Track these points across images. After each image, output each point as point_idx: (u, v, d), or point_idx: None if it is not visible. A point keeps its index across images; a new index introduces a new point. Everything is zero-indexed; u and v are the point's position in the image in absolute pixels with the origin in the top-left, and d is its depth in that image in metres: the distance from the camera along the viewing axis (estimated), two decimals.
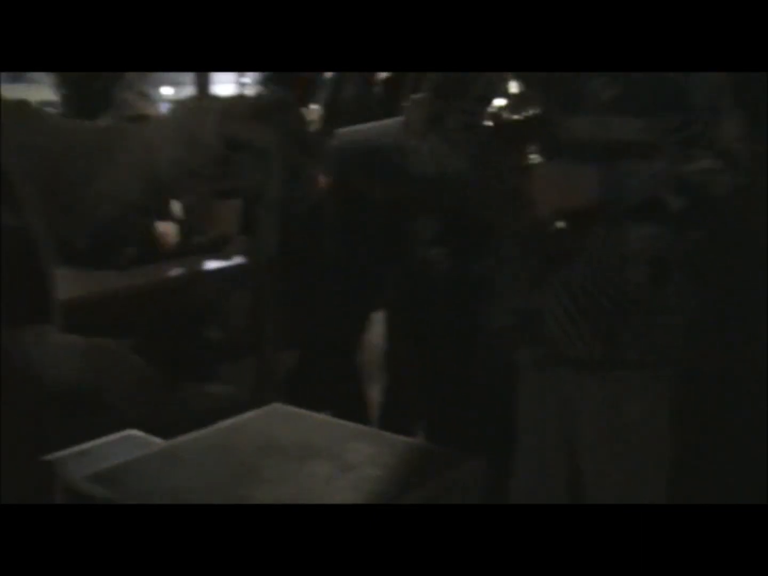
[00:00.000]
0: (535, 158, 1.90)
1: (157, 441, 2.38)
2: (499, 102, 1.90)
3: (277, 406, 2.21)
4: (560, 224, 1.90)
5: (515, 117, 1.88)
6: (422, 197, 2.49)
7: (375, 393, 3.72)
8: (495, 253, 2.07)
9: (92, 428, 2.67)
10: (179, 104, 1.99)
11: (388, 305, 3.57)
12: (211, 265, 4.17)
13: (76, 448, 2.38)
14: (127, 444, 2.43)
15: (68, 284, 3.65)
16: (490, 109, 1.91)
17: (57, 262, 3.67)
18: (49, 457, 2.31)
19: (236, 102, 1.83)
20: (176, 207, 4.30)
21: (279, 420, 2.12)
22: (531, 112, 1.86)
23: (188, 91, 7.62)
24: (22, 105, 1.84)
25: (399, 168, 2.26)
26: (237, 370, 4.64)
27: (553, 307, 1.95)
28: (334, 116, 3.29)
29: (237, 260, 4.18)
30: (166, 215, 4.20)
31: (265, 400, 4.14)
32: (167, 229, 4.07)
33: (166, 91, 12.35)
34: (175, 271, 4.04)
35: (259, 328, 4.42)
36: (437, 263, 2.63)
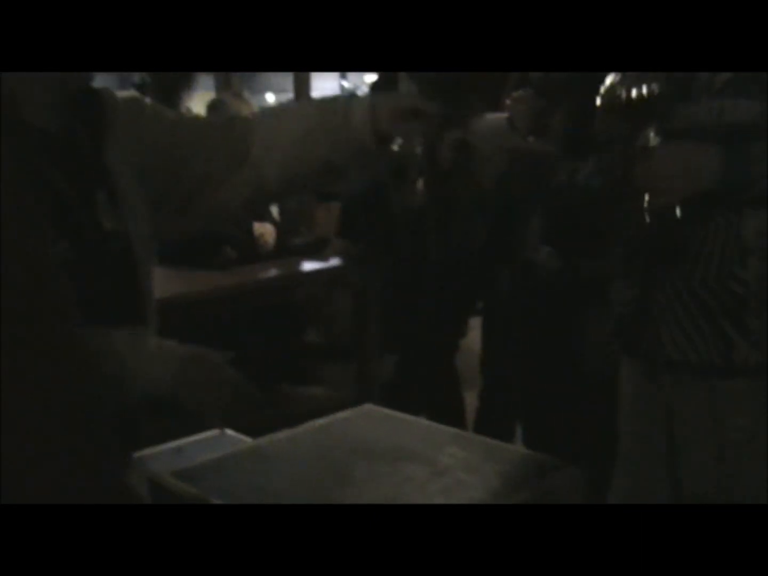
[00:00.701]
0: (653, 139, 1.79)
1: (249, 440, 2.37)
2: (613, 78, 1.79)
3: (370, 407, 2.16)
4: (677, 212, 1.77)
5: (633, 94, 1.76)
6: (530, 197, 2.44)
7: (472, 398, 3.65)
8: (605, 252, 1.97)
9: (186, 426, 2.67)
10: (316, 101, 1.98)
11: (488, 308, 3.51)
12: (310, 266, 4.16)
13: (167, 445, 2.39)
14: (219, 442, 2.42)
15: (168, 283, 3.70)
16: (603, 87, 1.80)
17: (156, 262, 3.72)
18: (140, 454, 2.32)
19: (389, 99, 1.82)
20: (274, 209, 4.31)
21: (371, 421, 2.07)
22: (649, 89, 1.75)
23: (289, 96, 7.67)
24: (136, 101, 1.82)
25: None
26: (335, 373, 4.64)
27: (666, 309, 1.83)
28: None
29: (334, 262, 4.16)
30: (265, 216, 4.21)
31: (363, 403, 4.13)
32: (266, 230, 4.07)
33: (270, 97, 12.48)
34: (274, 272, 4.04)
35: (358, 330, 4.41)
36: (545, 264, 2.55)
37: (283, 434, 2.00)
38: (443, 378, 3.77)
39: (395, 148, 3.85)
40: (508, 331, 3.03)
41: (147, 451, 2.35)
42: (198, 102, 5.89)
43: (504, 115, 2.23)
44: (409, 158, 3.89)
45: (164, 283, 3.73)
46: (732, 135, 1.72)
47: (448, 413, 3.67)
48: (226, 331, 4.28)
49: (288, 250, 4.16)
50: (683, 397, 1.89)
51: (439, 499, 1.64)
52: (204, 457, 2.01)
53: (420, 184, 3.81)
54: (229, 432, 2.49)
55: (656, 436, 1.96)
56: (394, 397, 4.13)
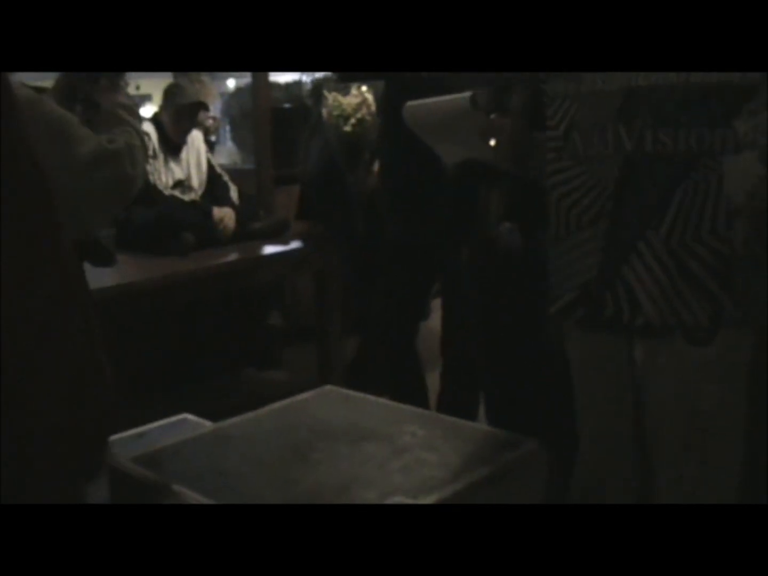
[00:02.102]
0: None
1: (211, 425, 2.37)
2: None
3: (330, 388, 2.17)
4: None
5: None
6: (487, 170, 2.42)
7: (434, 379, 3.66)
8: (558, 221, 1.95)
9: (149, 412, 2.66)
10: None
11: (447, 287, 3.51)
12: (270, 249, 4.14)
13: (129, 432, 2.38)
14: (181, 427, 2.42)
15: (127, 270, 3.68)
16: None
17: (118, 249, 3.70)
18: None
19: None
20: (234, 193, 4.29)
21: (331, 402, 2.08)
22: None
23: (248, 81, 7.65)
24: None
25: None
26: (298, 356, 4.63)
27: (642, 272, 1.81)
28: None
29: (295, 245, 4.15)
30: (224, 201, 4.19)
31: (324, 384, 4.13)
32: (225, 215, 4.05)
33: (231, 82, 12.42)
34: (234, 257, 4.02)
35: (320, 313, 4.40)
36: (505, 240, 2.54)
37: (243, 417, 2.00)
38: (404, 360, 3.77)
39: (348, 129, 3.85)
40: (467, 310, 3.03)
41: (116, 436, 2.35)
42: (156, 87, 5.84)
43: (463, 95, 2.23)
44: (362, 140, 3.90)
45: (124, 269, 3.71)
46: None
47: (410, 395, 3.67)
48: (187, 316, 4.27)
49: (248, 234, 4.15)
50: (658, 363, 1.88)
51: (398, 478, 1.65)
52: (166, 442, 2.02)
53: (375, 165, 3.81)
54: (191, 417, 2.49)
55: (624, 407, 1.95)
56: (356, 380, 4.14)
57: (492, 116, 2.21)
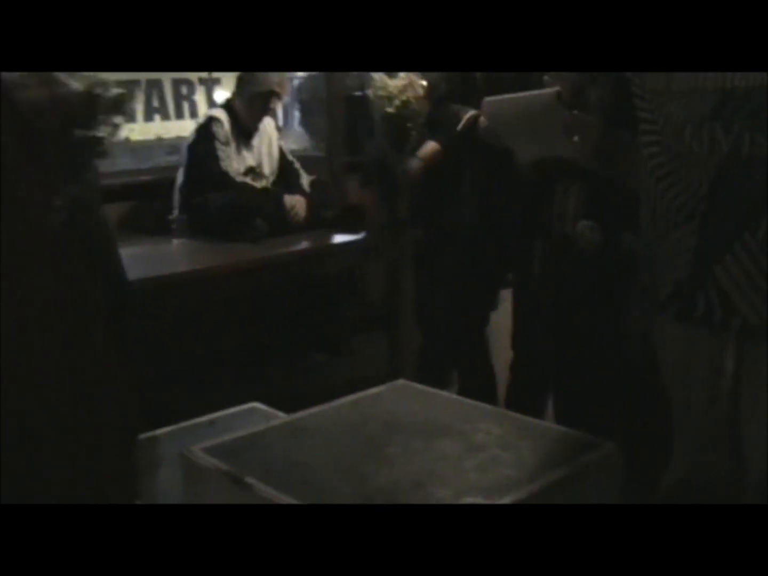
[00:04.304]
0: None
1: (281, 415, 2.37)
2: None
3: (403, 383, 2.15)
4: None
5: None
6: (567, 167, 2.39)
7: (503, 371, 3.63)
8: (651, 222, 1.92)
9: (219, 397, 2.68)
10: None
11: (520, 282, 3.48)
12: (341, 238, 4.14)
13: (200, 419, 2.39)
14: (251, 417, 2.43)
15: (200, 256, 3.70)
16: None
17: (190, 235, 3.71)
18: (172, 428, 2.33)
19: None
20: (305, 180, 4.29)
21: (405, 397, 2.06)
22: None
23: None
24: None
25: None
26: (368, 345, 4.63)
27: (737, 272, 1.77)
28: None
29: (367, 234, 4.14)
30: (296, 189, 4.19)
31: (394, 375, 4.13)
32: (297, 202, 4.05)
33: None
34: (305, 245, 4.02)
35: (391, 302, 4.39)
36: (584, 239, 2.50)
37: (316, 409, 1.99)
38: (474, 350, 3.75)
39: (391, 110, 3.78)
40: (541, 305, 3.00)
41: (180, 425, 2.37)
42: None
43: (547, 90, 2.19)
44: (407, 122, 3.85)
45: (197, 255, 3.74)
46: None
47: (479, 385, 3.65)
48: (258, 303, 4.28)
49: (320, 221, 4.14)
50: (756, 361, 1.84)
51: (472, 476, 1.63)
52: (236, 431, 2.02)
53: (425, 149, 3.77)
54: (261, 406, 2.50)
55: (718, 405, 1.91)
56: (426, 369, 4.13)
57: (575, 112, 2.17)
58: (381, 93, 3.89)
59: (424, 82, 3.83)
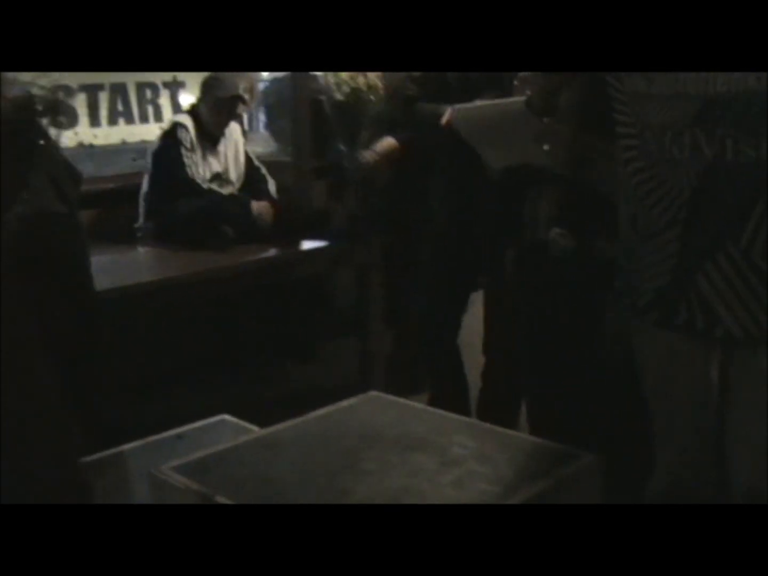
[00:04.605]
0: None
1: (250, 427, 2.32)
2: None
3: (375, 394, 2.11)
4: None
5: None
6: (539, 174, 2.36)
7: (474, 377, 3.60)
8: (631, 228, 1.89)
9: (186, 412, 2.63)
10: None
11: (491, 287, 3.45)
12: (310, 244, 4.09)
13: (168, 433, 2.34)
14: (220, 429, 2.38)
15: (166, 264, 3.65)
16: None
17: (157, 243, 3.66)
18: (141, 442, 2.28)
19: None
20: (272, 186, 4.25)
21: (379, 408, 2.02)
22: None
23: None
24: None
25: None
26: (338, 350, 4.59)
27: (721, 282, 1.74)
28: None
29: (335, 239, 4.10)
30: (263, 195, 4.14)
31: (366, 381, 4.09)
32: (264, 209, 4.00)
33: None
34: (273, 251, 3.98)
35: (361, 307, 4.36)
36: (557, 245, 2.48)
37: (288, 423, 1.95)
38: (445, 355, 3.72)
39: (340, 97, 3.70)
40: (512, 311, 2.97)
41: (147, 440, 2.32)
42: (189, 74, 5.77)
43: (518, 98, 2.17)
44: (356, 111, 3.79)
45: (163, 264, 3.68)
46: None
47: (451, 392, 3.62)
48: (226, 311, 4.23)
49: (287, 227, 4.10)
50: (738, 370, 1.81)
51: (450, 492, 1.60)
52: (205, 445, 1.97)
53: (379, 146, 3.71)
54: (230, 418, 2.45)
55: (702, 413, 1.89)
56: (398, 376, 4.10)
57: (546, 120, 2.15)
58: (332, 79, 3.82)
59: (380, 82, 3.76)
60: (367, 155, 3.75)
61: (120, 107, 4.50)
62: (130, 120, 4.55)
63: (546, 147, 2.15)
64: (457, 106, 2.41)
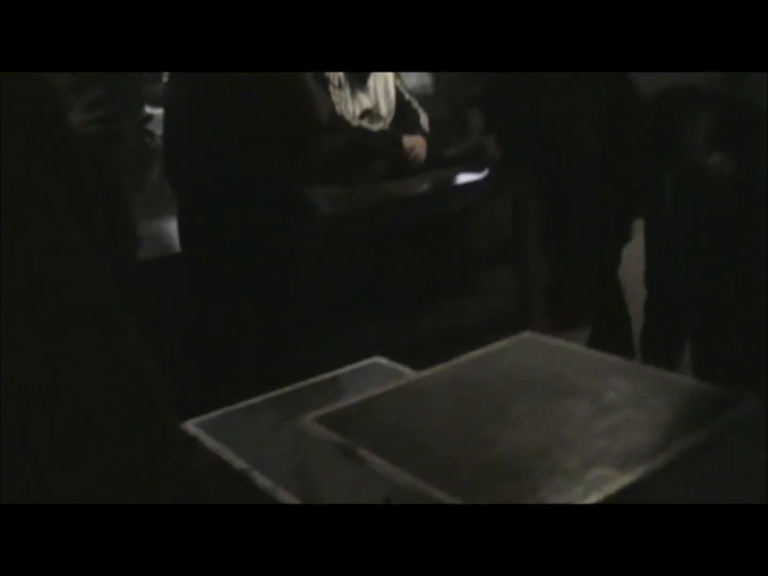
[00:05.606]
0: None
1: (404, 370, 2.28)
2: None
3: (529, 335, 2.03)
4: None
5: None
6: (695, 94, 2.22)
7: (636, 309, 3.46)
8: None
9: (346, 344, 2.61)
10: None
11: (651, 215, 3.30)
12: (464, 177, 4.01)
13: (320, 378, 2.33)
14: (373, 373, 2.35)
15: (319, 199, 3.64)
16: None
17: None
18: (293, 387, 2.27)
19: None
20: (424, 120, 4.17)
21: (531, 350, 1.94)
22: None
23: None
24: None
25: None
26: (495, 283, 4.52)
27: None
28: None
29: (490, 171, 4.01)
30: (415, 129, 4.07)
31: (524, 315, 4.01)
32: (416, 143, 3.94)
33: None
34: (426, 186, 3.91)
35: (518, 238, 4.27)
36: (715, 169, 2.33)
37: (436, 369, 1.89)
38: (607, 290, 3.60)
39: None
40: (673, 239, 2.83)
41: (301, 384, 2.31)
42: None
43: None
44: None
45: (316, 199, 3.67)
46: None
47: (613, 325, 3.50)
48: (379, 247, 4.21)
49: (441, 161, 4.03)
50: None
51: (603, 442, 1.51)
52: (356, 389, 1.94)
53: None
54: (383, 361, 2.42)
55: None
56: (555, 309, 4.00)
57: None
58: None
59: None
60: None
61: None
62: None
63: None
64: None
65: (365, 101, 4.00)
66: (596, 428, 1.56)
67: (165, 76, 3.12)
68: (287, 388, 2.25)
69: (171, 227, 3.22)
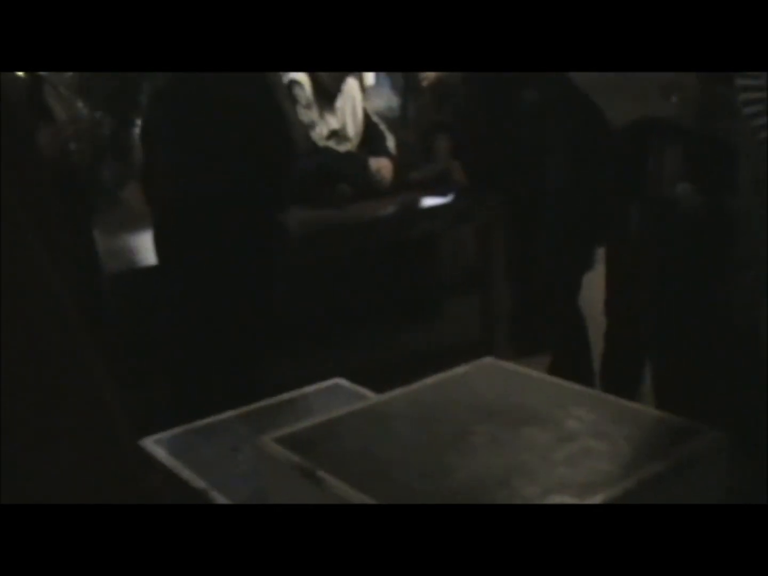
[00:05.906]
0: None
1: (365, 392, 2.28)
2: None
3: (490, 361, 2.03)
4: None
5: None
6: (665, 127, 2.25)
7: (597, 337, 3.48)
8: (753, 187, 1.77)
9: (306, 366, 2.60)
10: None
11: (614, 244, 3.32)
12: (430, 201, 4.02)
13: (281, 398, 2.31)
14: (334, 394, 2.34)
15: (289, 220, 3.62)
16: None
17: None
18: (253, 407, 2.26)
19: None
20: (391, 142, 4.18)
21: (493, 377, 1.94)
22: None
23: None
24: None
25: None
26: (458, 310, 4.53)
27: None
28: None
29: (455, 196, 4.02)
30: (381, 151, 4.08)
31: (487, 341, 4.01)
32: (383, 165, 3.94)
33: None
34: (392, 209, 3.92)
35: (482, 265, 4.27)
36: (684, 201, 2.36)
37: (397, 392, 1.89)
38: (567, 314, 3.61)
39: None
40: (637, 270, 2.85)
41: (262, 403, 2.30)
42: None
43: None
44: None
45: (287, 219, 3.66)
46: None
47: (572, 352, 3.51)
48: (346, 269, 4.21)
49: (407, 184, 4.03)
50: None
51: (562, 471, 1.51)
52: (317, 412, 1.93)
53: None
54: (344, 383, 2.41)
55: None
56: (519, 335, 4.01)
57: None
58: None
59: None
60: None
61: None
62: None
63: (674, 99, 2.04)
64: None
65: (332, 122, 4.00)
66: (556, 457, 1.56)
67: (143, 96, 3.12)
68: (248, 407, 2.24)
69: (145, 242, 3.20)
